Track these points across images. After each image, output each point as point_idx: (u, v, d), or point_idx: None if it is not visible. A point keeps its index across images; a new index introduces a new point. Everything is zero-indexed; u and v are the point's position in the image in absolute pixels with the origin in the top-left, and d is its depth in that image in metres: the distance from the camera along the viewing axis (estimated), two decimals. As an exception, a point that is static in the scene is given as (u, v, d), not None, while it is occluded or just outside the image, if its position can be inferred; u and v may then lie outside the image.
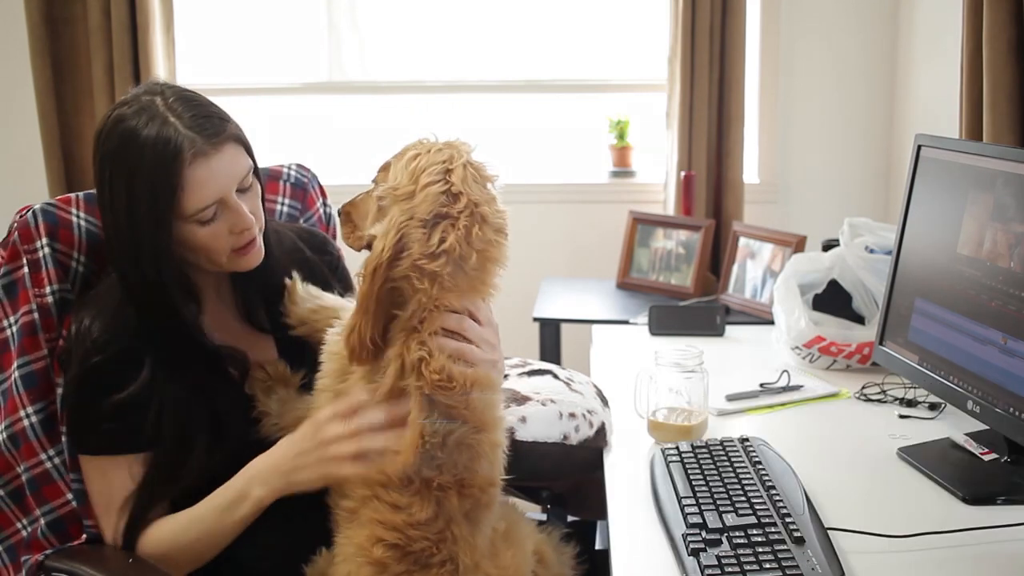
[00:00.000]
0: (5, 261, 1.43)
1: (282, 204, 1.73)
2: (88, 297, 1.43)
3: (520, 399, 1.62)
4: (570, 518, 1.77)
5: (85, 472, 1.39)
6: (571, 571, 1.56)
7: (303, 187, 1.76)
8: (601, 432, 1.63)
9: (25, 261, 1.42)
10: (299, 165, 1.78)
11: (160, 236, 1.32)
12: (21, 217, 1.44)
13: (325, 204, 1.80)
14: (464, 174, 1.24)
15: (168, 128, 1.30)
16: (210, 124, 1.33)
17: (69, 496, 1.41)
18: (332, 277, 1.62)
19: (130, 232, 1.33)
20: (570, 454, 1.59)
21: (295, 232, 1.63)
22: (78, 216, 1.48)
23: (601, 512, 1.69)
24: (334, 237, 1.77)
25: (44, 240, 1.43)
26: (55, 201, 1.47)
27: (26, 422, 1.40)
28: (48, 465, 1.41)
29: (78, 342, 1.36)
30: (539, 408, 1.61)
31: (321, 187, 1.80)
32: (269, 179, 1.72)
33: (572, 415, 1.61)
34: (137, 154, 1.30)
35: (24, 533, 1.42)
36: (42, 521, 1.40)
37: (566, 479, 1.66)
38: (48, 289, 1.42)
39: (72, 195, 1.50)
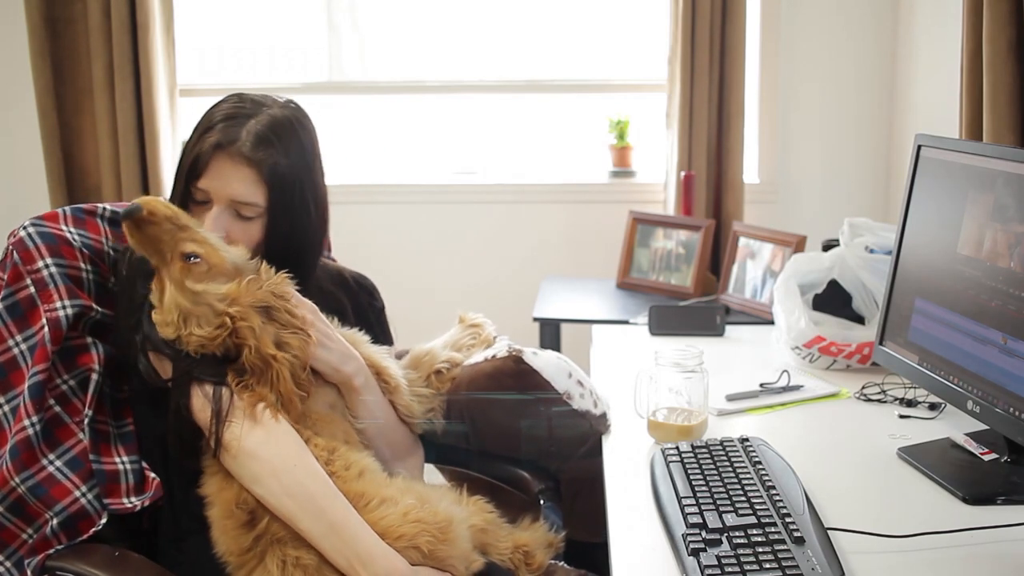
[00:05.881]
0: (8, 283, 1.48)
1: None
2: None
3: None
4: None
5: None
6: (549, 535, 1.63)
7: None
8: (603, 418, 1.69)
9: (30, 281, 1.47)
10: None
11: None
12: (16, 239, 1.49)
13: None
14: None
15: None
16: None
17: (77, 494, 1.43)
18: (376, 325, 1.76)
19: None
20: (569, 415, 1.66)
21: (350, 275, 1.77)
22: (70, 231, 1.54)
23: (600, 531, 1.69)
24: None
25: (48, 260, 1.49)
26: (43, 220, 1.53)
27: (31, 431, 1.43)
28: (51, 469, 1.43)
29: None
30: (552, 357, 1.71)
31: None
32: None
33: (580, 382, 1.70)
34: None
35: (30, 541, 1.44)
36: (54, 521, 1.42)
37: (558, 445, 1.68)
38: (59, 304, 1.47)
39: (58, 211, 1.56)
